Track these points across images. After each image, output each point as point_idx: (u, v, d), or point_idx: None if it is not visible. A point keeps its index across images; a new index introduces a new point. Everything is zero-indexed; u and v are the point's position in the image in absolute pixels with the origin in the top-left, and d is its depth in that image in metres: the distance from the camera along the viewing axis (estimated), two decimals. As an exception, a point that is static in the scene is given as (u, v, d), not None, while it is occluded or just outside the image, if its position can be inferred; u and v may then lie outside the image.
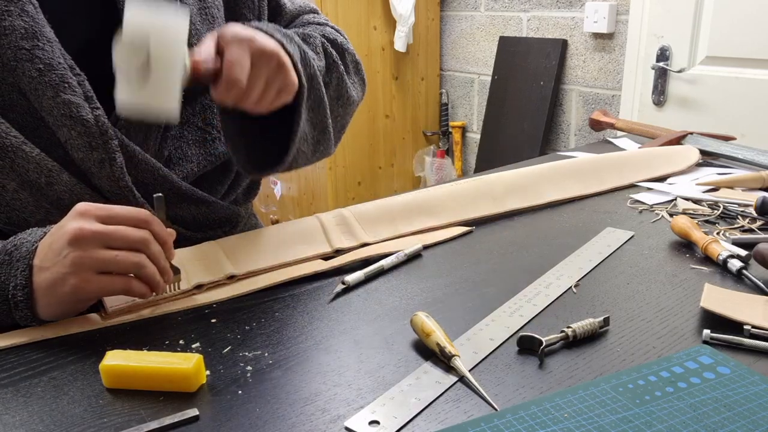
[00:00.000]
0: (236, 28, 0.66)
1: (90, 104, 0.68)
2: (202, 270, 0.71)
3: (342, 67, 0.87)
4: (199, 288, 0.68)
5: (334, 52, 0.85)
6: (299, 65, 0.72)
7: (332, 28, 0.94)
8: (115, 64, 0.59)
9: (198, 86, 0.65)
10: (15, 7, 0.65)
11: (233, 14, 0.85)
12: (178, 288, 0.67)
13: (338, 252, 0.78)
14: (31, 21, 0.66)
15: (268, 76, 0.67)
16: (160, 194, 0.66)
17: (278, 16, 0.91)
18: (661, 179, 1.07)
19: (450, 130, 3.29)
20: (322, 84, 0.79)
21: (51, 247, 0.59)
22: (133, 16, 0.58)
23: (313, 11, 0.97)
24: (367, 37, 2.94)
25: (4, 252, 0.61)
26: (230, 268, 0.71)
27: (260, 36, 0.67)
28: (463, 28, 3.10)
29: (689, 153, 1.16)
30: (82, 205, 0.61)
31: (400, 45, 2.99)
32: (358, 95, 0.93)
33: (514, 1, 2.79)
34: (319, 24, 0.93)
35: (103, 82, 0.71)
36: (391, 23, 3.00)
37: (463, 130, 3.25)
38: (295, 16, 0.93)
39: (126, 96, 0.59)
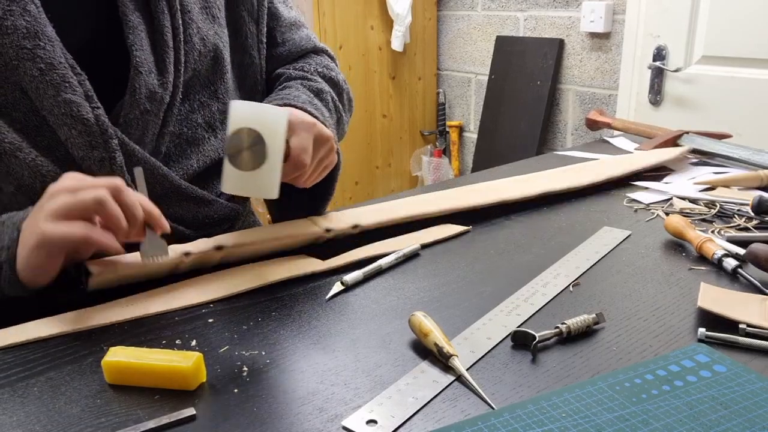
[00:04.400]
0: (300, 114, 0.73)
1: (90, 103, 0.69)
2: (190, 245, 0.72)
3: (345, 116, 0.95)
4: (187, 255, 0.68)
5: (339, 105, 0.93)
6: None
7: (327, 56, 0.99)
8: (227, 156, 0.65)
9: None
10: (17, 7, 0.66)
11: (233, 15, 0.86)
12: (165, 256, 0.67)
13: (329, 231, 0.79)
14: (32, 20, 0.66)
15: (322, 158, 0.76)
16: (140, 167, 0.68)
17: (277, 22, 0.93)
18: (658, 176, 1.07)
19: (447, 129, 3.29)
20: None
21: (35, 206, 0.63)
22: (245, 114, 0.65)
23: (304, 26, 0.99)
24: (364, 36, 2.94)
25: None
26: (219, 242, 0.72)
27: (319, 123, 0.75)
28: (460, 27, 3.10)
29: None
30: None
31: (397, 44, 2.99)
32: (347, 125, 1.01)
33: (511, 0, 2.79)
34: (315, 53, 0.97)
35: (104, 80, 0.72)
36: (388, 23, 3.00)
37: (460, 129, 3.25)
38: (291, 23, 0.95)
39: (234, 186, 0.66)
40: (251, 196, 0.67)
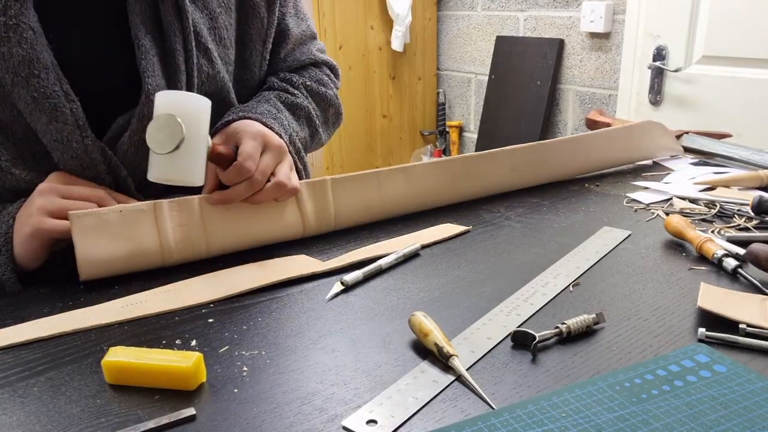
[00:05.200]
0: (250, 124, 0.76)
1: (81, 132, 0.71)
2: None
3: (322, 130, 0.97)
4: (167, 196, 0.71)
5: (317, 120, 0.94)
6: (290, 147, 0.82)
7: (328, 67, 1.00)
8: (148, 142, 0.66)
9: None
10: (14, 34, 0.67)
11: (241, 33, 0.87)
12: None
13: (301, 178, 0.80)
14: (29, 48, 0.67)
15: (271, 166, 0.76)
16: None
17: (284, 40, 0.94)
18: (658, 176, 1.07)
19: (447, 129, 3.30)
20: (304, 153, 0.90)
21: (27, 200, 0.71)
22: (164, 102, 0.66)
23: (313, 37, 1.00)
24: (364, 36, 2.94)
25: None
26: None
27: (270, 132, 0.77)
28: (459, 27, 3.10)
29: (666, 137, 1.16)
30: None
31: (397, 45, 2.99)
32: (330, 137, 1.03)
33: (511, 0, 2.80)
34: (315, 66, 0.99)
35: (102, 98, 0.73)
36: (388, 23, 3.00)
37: (460, 129, 3.25)
38: (299, 40, 0.96)
39: (158, 171, 0.67)
40: (175, 182, 0.68)
